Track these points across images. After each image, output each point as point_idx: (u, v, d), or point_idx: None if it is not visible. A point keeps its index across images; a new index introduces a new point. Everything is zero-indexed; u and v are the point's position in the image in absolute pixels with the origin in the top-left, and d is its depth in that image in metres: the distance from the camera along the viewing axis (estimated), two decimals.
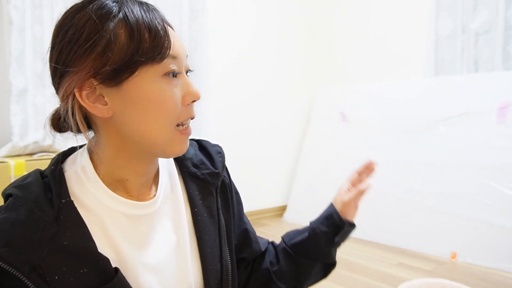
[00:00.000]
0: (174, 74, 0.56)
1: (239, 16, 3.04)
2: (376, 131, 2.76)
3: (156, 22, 0.54)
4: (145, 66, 0.53)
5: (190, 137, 0.73)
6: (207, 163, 0.70)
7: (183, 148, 0.60)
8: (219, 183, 0.71)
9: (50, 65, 0.55)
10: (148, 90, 0.54)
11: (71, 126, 0.56)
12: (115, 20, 0.52)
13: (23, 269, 0.48)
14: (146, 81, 0.54)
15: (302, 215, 3.04)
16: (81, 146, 0.64)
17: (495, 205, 2.11)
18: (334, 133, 3.05)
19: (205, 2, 2.74)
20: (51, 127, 0.60)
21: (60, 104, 0.57)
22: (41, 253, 0.49)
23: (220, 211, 0.70)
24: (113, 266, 0.54)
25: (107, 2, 0.53)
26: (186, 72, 0.60)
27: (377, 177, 3.04)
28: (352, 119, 2.95)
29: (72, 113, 0.55)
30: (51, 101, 2.09)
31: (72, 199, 0.55)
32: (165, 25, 0.56)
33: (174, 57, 0.55)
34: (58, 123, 0.59)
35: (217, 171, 0.70)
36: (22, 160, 1.79)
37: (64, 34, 0.52)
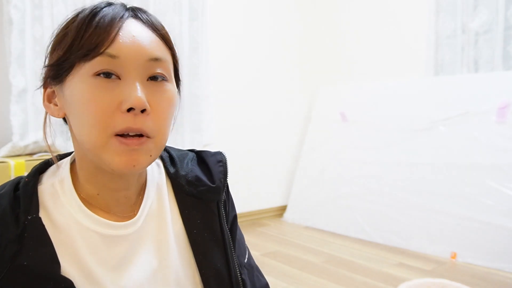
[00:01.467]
0: (107, 75, 0.50)
1: (239, 16, 3.04)
2: (376, 131, 2.76)
3: (103, 18, 0.51)
4: (79, 64, 0.50)
5: (191, 148, 0.70)
6: (204, 178, 0.64)
7: (123, 161, 0.50)
8: (220, 197, 0.65)
9: None
10: (77, 89, 0.50)
11: None
12: (74, 19, 0.52)
13: None
14: (77, 79, 0.50)
15: (302, 215, 3.04)
16: (67, 155, 0.61)
17: (495, 205, 2.11)
18: (334, 133, 3.05)
19: (205, 2, 2.74)
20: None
21: None
22: (1, 271, 0.47)
23: (224, 226, 0.65)
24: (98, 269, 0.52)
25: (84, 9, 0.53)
26: (150, 79, 0.53)
27: (377, 177, 3.03)
28: (352, 119, 2.95)
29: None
30: None
31: (40, 216, 0.52)
32: (115, 21, 0.51)
33: (112, 56, 0.50)
34: None
35: (214, 185, 0.64)
36: (22, 160, 1.79)
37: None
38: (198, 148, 0.73)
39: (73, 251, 0.52)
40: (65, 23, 0.54)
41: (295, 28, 3.38)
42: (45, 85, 0.56)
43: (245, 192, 3.00)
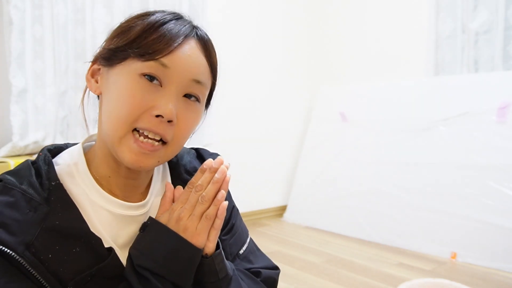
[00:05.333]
0: (151, 79, 0.54)
1: (239, 16, 3.04)
2: (376, 131, 2.76)
3: (170, 30, 0.55)
4: (133, 59, 0.54)
5: (190, 146, 0.75)
6: None
7: (132, 159, 0.55)
8: None
9: None
10: (122, 80, 0.55)
11: None
12: (146, 19, 0.57)
13: (17, 249, 0.48)
14: (126, 72, 0.55)
15: (302, 215, 3.04)
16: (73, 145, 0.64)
17: (495, 205, 2.11)
18: (334, 133, 3.05)
19: (205, 2, 2.74)
20: None
21: None
22: (34, 233, 0.50)
23: None
24: (106, 246, 0.54)
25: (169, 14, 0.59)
26: (185, 95, 0.58)
27: (377, 177, 3.03)
28: (352, 119, 2.95)
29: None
30: (51, 101, 2.10)
31: (61, 182, 0.55)
32: (170, 32, 0.55)
33: (164, 65, 0.54)
34: None
35: None
36: (22, 160, 1.78)
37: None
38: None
39: (91, 224, 0.55)
40: (133, 17, 0.58)
41: (295, 29, 3.38)
42: (94, 61, 0.60)
43: (245, 192, 2.99)
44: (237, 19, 3.03)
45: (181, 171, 0.69)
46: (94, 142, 0.64)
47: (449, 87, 2.51)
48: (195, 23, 0.61)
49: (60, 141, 2.13)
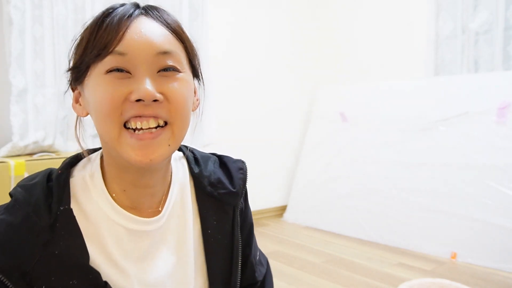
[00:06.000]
0: (118, 71, 0.52)
1: (239, 16, 3.04)
2: (376, 131, 2.76)
3: (113, 18, 0.52)
4: (94, 64, 0.52)
5: (212, 151, 0.73)
6: (225, 181, 0.67)
7: (138, 156, 0.52)
8: (238, 203, 0.68)
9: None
10: (92, 87, 0.53)
11: None
12: (88, 22, 0.55)
13: (12, 276, 0.47)
14: (93, 78, 0.53)
15: (302, 215, 3.04)
16: (96, 150, 0.63)
17: (495, 205, 2.11)
18: (334, 133, 3.05)
19: (205, 2, 2.74)
20: None
21: None
22: (32, 259, 0.49)
23: (236, 230, 0.67)
24: (104, 280, 0.53)
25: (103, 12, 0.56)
26: (160, 71, 0.54)
27: (377, 177, 3.03)
28: (352, 119, 2.95)
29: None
30: (51, 101, 2.09)
31: (72, 207, 0.54)
32: (126, 19, 0.53)
33: (121, 53, 0.51)
34: None
35: (234, 190, 0.67)
36: (22, 160, 1.79)
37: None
38: (198, 148, 0.74)
39: (101, 241, 0.54)
40: (83, 28, 0.56)
41: (295, 28, 3.37)
42: (73, 88, 0.59)
43: None
44: (237, 19, 3.03)
45: (205, 183, 0.65)
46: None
47: (449, 87, 2.50)
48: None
49: (60, 141, 2.13)
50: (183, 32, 0.59)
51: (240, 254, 0.67)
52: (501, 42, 2.42)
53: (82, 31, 0.56)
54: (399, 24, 2.95)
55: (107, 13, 0.53)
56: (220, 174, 0.68)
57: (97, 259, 0.54)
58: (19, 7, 1.99)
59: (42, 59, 2.09)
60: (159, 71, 0.54)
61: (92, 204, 0.56)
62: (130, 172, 0.57)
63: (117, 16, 0.53)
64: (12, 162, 1.74)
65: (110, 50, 0.51)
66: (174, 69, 0.55)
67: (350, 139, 2.92)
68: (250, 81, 3.09)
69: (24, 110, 2.03)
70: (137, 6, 0.56)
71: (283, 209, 3.28)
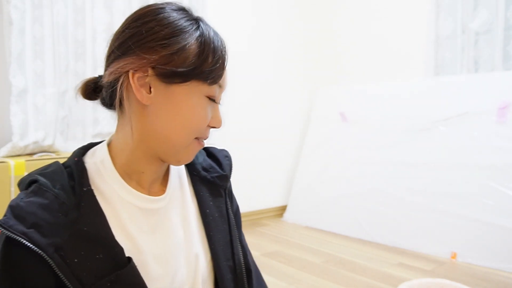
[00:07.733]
0: (213, 99, 0.63)
1: (239, 17, 3.04)
2: (376, 131, 2.76)
3: (221, 51, 0.62)
4: (197, 82, 0.60)
5: None
6: (216, 167, 0.76)
7: (190, 158, 0.66)
8: (228, 185, 0.77)
9: (116, 40, 0.61)
10: (190, 101, 0.61)
11: (103, 97, 0.63)
12: (194, 35, 0.60)
13: (47, 250, 0.51)
14: (192, 93, 0.60)
15: (302, 215, 3.04)
16: (98, 143, 0.68)
17: (495, 205, 2.11)
18: (334, 133, 3.05)
19: (205, 2, 2.74)
20: (80, 92, 0.65)
21: (103, 77, 0.62)
22: (63, 236, 0.53)
23: (230, 210, 0.75)
24: (127, 255, 0.57)
25: (186, 15, 0.62)
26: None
27: (377, 177, 3.02)
28: (352, 119, 2.95)
29: (114, 88, 0.61)
30: (51, 101, 2.09)
31: (92, 188, 0.59)
32: (225, 57, 0.63)
33: (220, 86, 0.64)
34: (90, 91, 0.65)
35: (225, 173, 0.76)
36: (22, 160, 1.79)
37: (144, 23, 0.59)
38: None
39: (119, 220, 0.60)
40: (169, 29, 0.59)
41: (295, 29, 3.37)
42: (136, 71, 0.59)
43: (245, 192, 2.99)
44: (237, 19, 3.03)
45: (199, 168, 0.74)
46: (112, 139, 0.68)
47: (449, 87, 2.51)
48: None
49: (60, 141, 2.13)
50: None
51: (236, 232, 0.73)
52: (501, 42, 2.42)
53: (177, 29, 0.59)
54: (399, 24, 2.95)
55: (212, 39, 0.61)
56: (210, 161, 0.77)
57: (118, 236, 0.58)
58: (19, 7, 1.99)
59: (42, 59, 2.08)
60: None
61: (107, 186, 0.61)
62: (156, 160, 0.65)
63: (222, 50, 0.62)
64: (12, 162, 1.74)
65: (218, 82, 0.62)
66: None
67: (350, 139, 2.92)
68: (250, 82, 3.09)
69: (24, 110, 2.03)
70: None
71: (283, 209, 3.28)
